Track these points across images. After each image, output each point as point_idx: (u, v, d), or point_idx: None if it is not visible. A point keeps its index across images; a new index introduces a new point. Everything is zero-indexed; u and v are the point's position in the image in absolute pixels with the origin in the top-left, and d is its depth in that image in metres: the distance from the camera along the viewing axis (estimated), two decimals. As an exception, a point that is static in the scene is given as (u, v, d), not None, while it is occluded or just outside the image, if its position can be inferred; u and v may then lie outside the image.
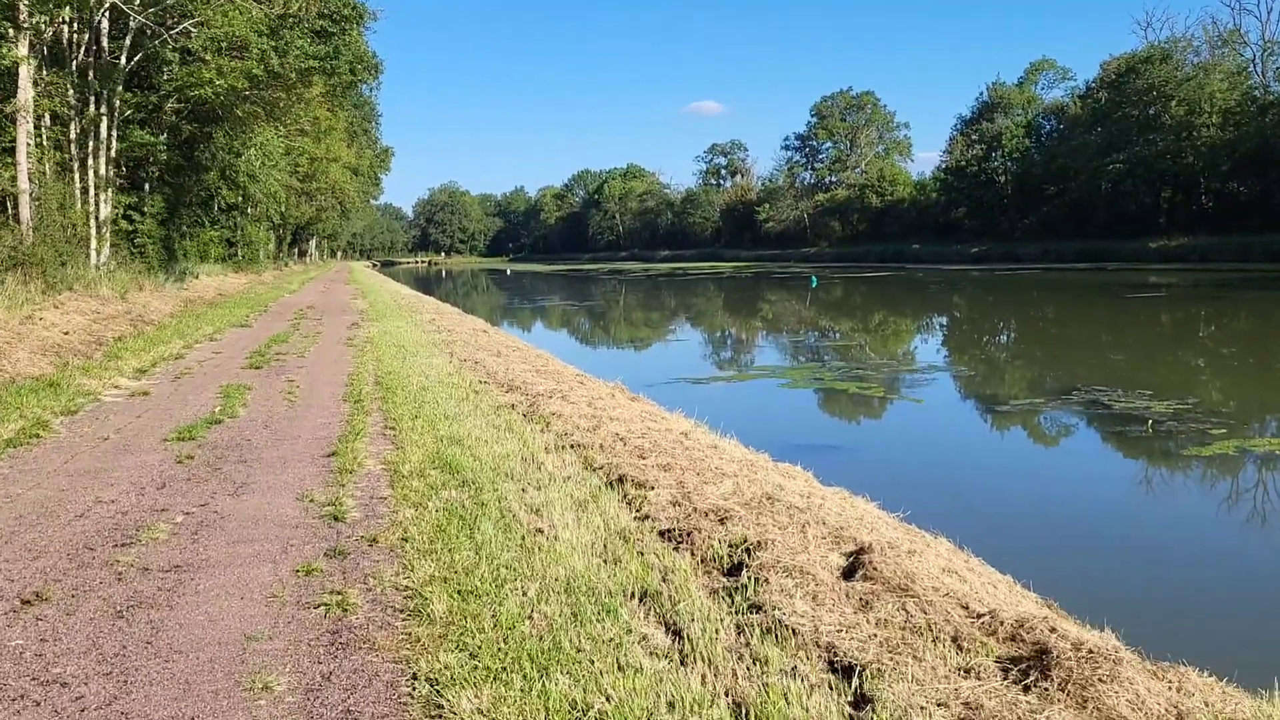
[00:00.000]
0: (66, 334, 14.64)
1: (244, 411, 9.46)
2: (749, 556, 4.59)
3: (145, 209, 26.64)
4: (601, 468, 6.84)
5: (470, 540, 4.97)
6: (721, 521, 5.17)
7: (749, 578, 4.31)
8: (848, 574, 4.39)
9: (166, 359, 14.13)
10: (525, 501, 5.81)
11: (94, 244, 22.36)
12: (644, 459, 7.01)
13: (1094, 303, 36.64)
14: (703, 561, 4.71)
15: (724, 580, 4.46)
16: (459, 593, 4.21)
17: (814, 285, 56.92)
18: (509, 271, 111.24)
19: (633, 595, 4.19)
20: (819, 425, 13.67)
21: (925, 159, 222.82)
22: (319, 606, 4.19)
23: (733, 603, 4.11)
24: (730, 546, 4.78)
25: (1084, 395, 14.16)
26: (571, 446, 7.63)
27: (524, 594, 4.19)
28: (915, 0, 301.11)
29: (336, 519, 5.58)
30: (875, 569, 4.29)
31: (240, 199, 41.06)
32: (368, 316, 23.70)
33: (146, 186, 27.27)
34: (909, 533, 5.56)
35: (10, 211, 18.34)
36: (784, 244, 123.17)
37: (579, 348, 26.48)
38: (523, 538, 5.04)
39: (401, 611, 4.09)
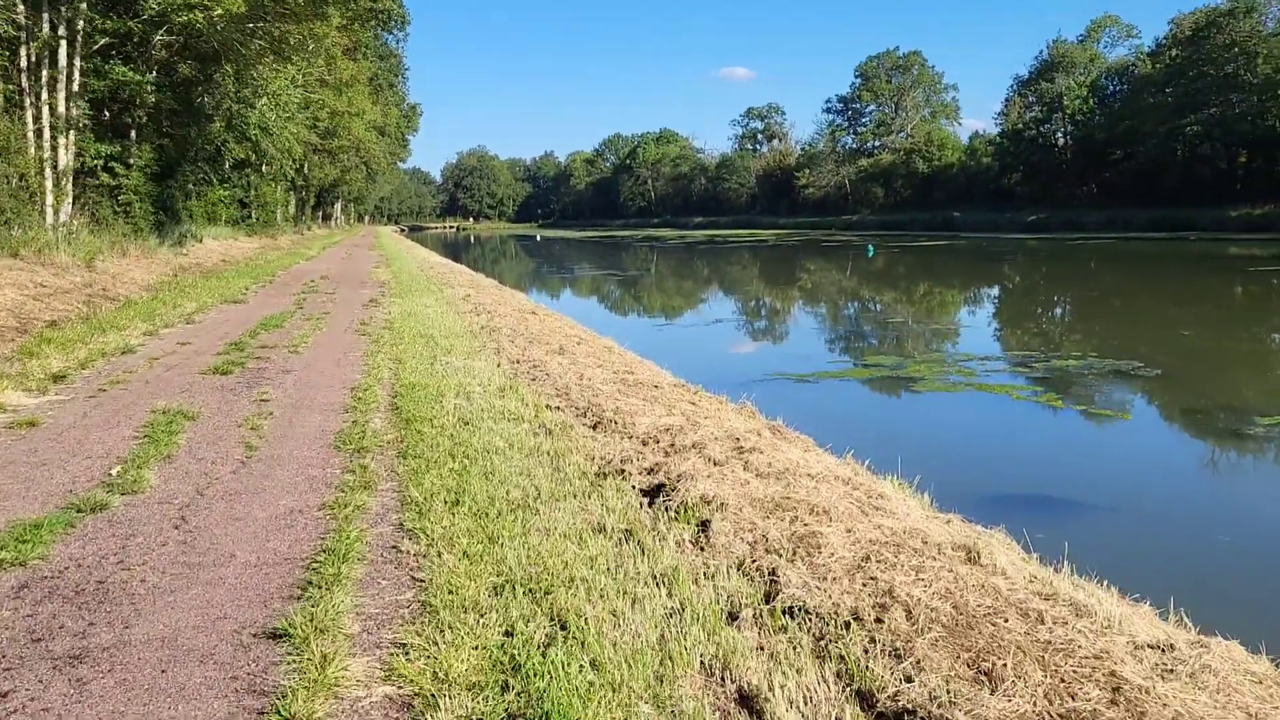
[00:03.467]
0: (-23, 318, 10.79)
1: (157, 477, 5.49)
2: None
3: (131, 160, 22.69)
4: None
5: None
6: None
7: None
8: None
9: (108, 354, 10.23)
10: None
11: (50, 199, 18.35)
12: (985, 672, 2.99)
13: (1221, 279, 32.03)
14: None
15: None
16: None
17: (870, 255, 52.60)
18: (539, 238, 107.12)
19: None
20: (1006, 458, 9.46)
21: (966, 126, 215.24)
22: None
23: None
24: None
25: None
26: (790, 613, 3.61)
27: None
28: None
29: None
30: None
31: (252, 154, 36.99)
32: (390, 290, 19.76)
33: (133, 134, 23.31)
34: None
35: (-69, 156, 14.49)
36: (823, 211, 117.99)
37: (639, 331, 21.96)
38: None
39: None
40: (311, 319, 14.33)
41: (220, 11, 20.75)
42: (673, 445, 6.20)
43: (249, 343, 11.42)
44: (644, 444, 6.41)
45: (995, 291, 31.28)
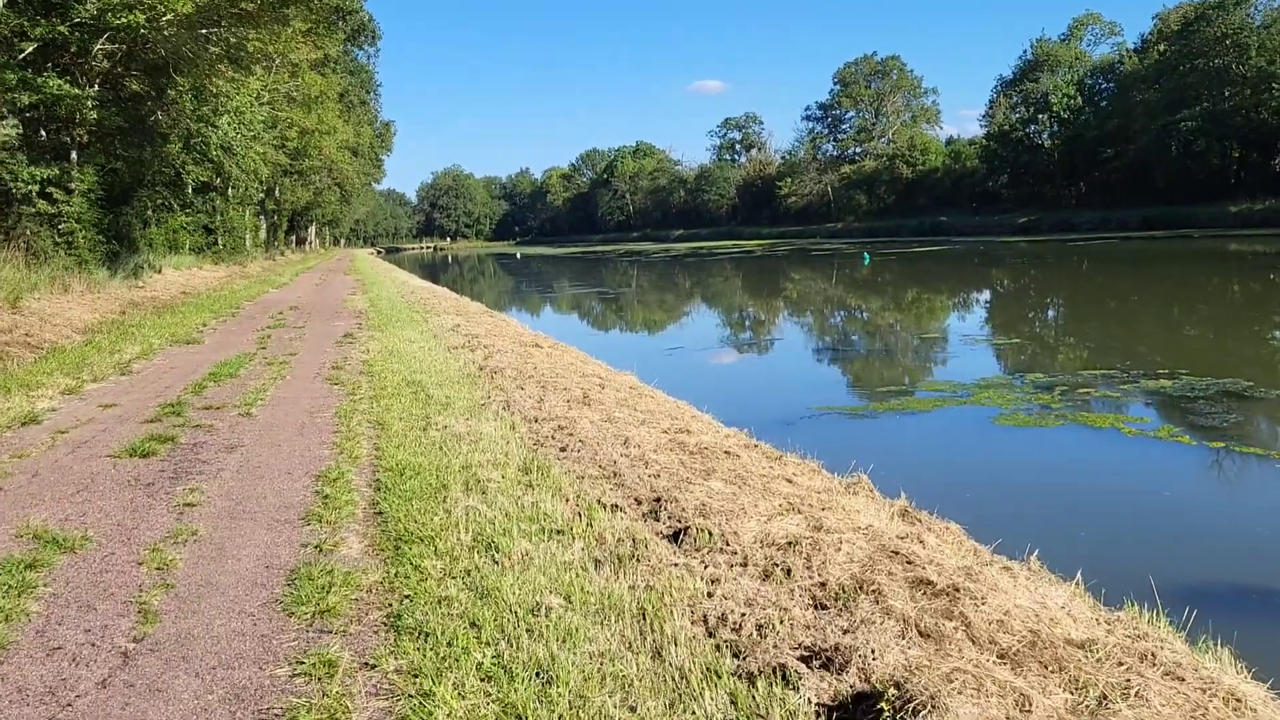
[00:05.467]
0: None
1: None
2: None
3: (73, 185, 20.22)
4: None
5: None
6: None
7: None
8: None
9: (1, 428, 7.85)
10: None
11: (-40, 231, 16.02)
12: None
13: (1255, 277, 30.12)
14: None
15: None
16: None
17: (866, 263, 50.70)
18: (519, 255, 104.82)
19: None
20: (1191, 536, 7.21)
21: (943, 132, 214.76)
22: None
23: None
24: None
25: None
26: None
27: None
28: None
29: None
30: None
31: (215, 177, 34.47)
32: (368, 322, 17.40)
33: (74, 155, 20.81)
34: None
35: None
36: (806, 219, 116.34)
37: (651, 358, 18.95)
38: None
39: None
40: (274, 363, 11.96)
41: (169, 15, 18.42)
42: (823, 586, 3.90)
43: (190, 402, 9.03)
44: (766, 577, 4.11)
45: (1019, 299, 29.16)
